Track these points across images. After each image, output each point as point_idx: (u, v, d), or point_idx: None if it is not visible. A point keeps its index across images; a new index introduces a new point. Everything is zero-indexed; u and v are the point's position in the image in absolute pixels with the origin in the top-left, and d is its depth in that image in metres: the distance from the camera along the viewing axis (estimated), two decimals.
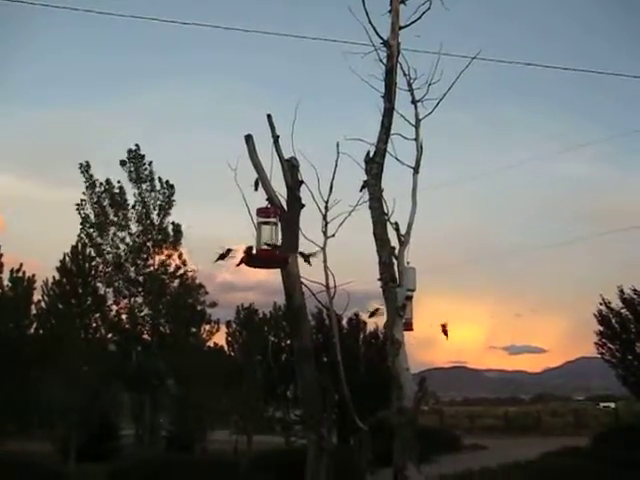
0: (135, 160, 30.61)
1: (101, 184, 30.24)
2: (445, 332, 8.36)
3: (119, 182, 30.42)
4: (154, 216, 30.64)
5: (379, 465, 8.85)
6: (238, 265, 7.56)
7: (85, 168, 30.17)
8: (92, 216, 30.16)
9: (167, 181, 30.92)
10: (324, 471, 7.55)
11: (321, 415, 7.83)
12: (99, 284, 29.33)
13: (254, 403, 29.94)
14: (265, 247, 7.39)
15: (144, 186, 30.60)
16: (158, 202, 30.69)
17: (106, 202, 30.24)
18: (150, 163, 30.75)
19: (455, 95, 8.75)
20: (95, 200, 30.14)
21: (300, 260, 8.14)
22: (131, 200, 30.54)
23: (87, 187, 30.13)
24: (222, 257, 7.60)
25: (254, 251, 7.41)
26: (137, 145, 30.97)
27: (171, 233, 30.70)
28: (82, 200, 30.09)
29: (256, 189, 8.07)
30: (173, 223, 30.84)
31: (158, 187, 30.73)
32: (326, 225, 8.65)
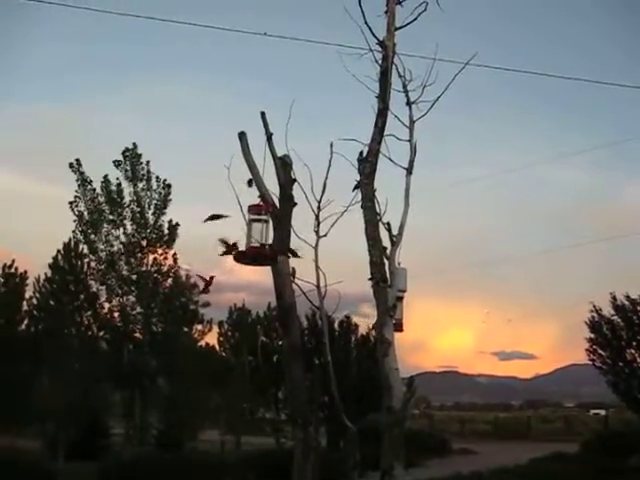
0: (132, 159, 30.42)
1: (91, 182, 29.95)
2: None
3: (117, 179, 30.24)
4: (149, 215, 30.46)
5: (367, 468, 8.87)
6: (225, 254, 7.54)
7: (76, 167, 29.95)
8: (86, 214, 29.98)
9: (164, 180, 30.77)
10: (311, 470, 7.54)
11: (308, 413, 7.82)
12: (92, 282, 29.21)
13: (243, 403, 29.90)
14: (255, 244, 7.39)
15: (140, 185, 30.44)
16: (154, 201, 30.53)
17: (102, 199, 30.04)
18: (148, 162, 30.60)
19: (450, 97, 8.78)
20: (89, 197, 29.96)
21: (291, 258, 8.13)
22: (127, 198, 30.34)
23: (79, 185, 29.94)
24: (212, 219, 7.63)
25: (244, 248, 7.41)
26: (134, 144, 30.83)
27: (166, 232, 30.55)
28: (76, 197, 29.92)
29: (250, 186, 8.06)
30: (169, 222, 30.71)
31: (155, 186, 30.57)
32: (318, 225, 8.64)
